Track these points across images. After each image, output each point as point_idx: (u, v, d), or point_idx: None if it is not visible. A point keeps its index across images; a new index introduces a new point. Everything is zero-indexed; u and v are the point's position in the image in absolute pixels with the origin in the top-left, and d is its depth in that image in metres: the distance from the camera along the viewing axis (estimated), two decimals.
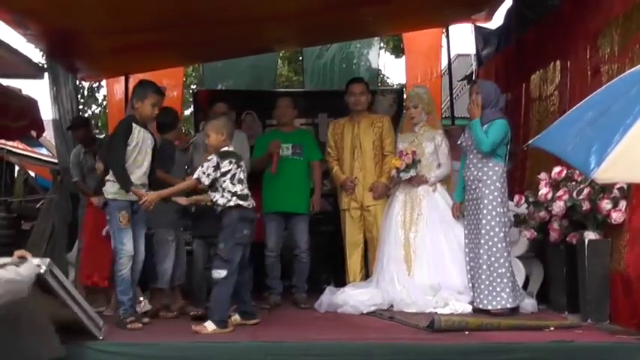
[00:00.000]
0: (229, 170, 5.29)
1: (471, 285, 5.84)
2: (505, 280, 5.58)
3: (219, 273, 5.19)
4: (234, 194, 5.27)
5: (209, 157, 5.35)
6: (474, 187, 5.80)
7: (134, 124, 5.50)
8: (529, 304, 5.81)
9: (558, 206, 5.57)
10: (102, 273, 6.28)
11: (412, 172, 6.27)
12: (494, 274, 5.61)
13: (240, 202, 5.28)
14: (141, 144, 5.52)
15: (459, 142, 6.11)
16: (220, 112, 6.87)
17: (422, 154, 6.36)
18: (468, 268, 5.87)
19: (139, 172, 5.50)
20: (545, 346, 4.43)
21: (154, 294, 6.21)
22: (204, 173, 5.27)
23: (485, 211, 5.68)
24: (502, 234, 5.63)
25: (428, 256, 6.17)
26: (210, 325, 5.04)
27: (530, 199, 6.03)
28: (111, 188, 5.44)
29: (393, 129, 6.84)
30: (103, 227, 6.07)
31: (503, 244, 5.63)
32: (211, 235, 5.69)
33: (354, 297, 6.08)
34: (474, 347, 4.44)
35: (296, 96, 10.79)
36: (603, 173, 3.64)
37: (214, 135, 5.40)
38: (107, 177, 5.52)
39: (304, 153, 6.86)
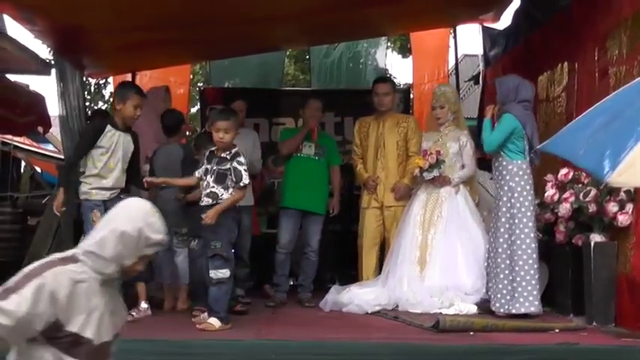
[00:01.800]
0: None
1: (486, 284, 5.80)
2: (514, 285, 5.52)
3: (223, 273, 5.21)
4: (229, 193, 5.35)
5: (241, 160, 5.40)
6: (498, 187, 5.76)
7: (109, 127, 5.46)
8: (535, 306, 5.79)
9: (564, 208, 5.55)
10: None
11: (435, 172, 6.23)
12: (510, 278, 5.54)
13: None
14: (114, 147, 5.48)
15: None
16: (239, 110, 6.92)
17: (446, 154, 6.33)
18: (486, 265, 5.84)
19: (111, 177, 5.48)
20: (550, 349, 4.43)
21: (170, 290, 6.26)
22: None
23: (499, 213, 5.65)
24: (523, 236, 5.52)
25: (442, 258, 6.14)
26: (216, 322, 5.06)
27: (536, 201, 6.01)
28: (82, 188, 5.44)
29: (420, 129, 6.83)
30: None
31: (524, 246, 5.51)
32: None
33: (359, 296, 6.08)
34: (478, 348, 4.43)
35: (302, 95, 10.84)
36: (618, 177, 3.64)
37: (231, 134, 5.42)
38: (80, 177, 5.54)
39: (325, 155, 6.88)
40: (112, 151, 5.47)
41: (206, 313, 5.30)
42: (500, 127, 5.66)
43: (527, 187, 5.62)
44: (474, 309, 5.72)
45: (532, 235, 5.56)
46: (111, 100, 14.17)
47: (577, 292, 5.53)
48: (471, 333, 4.84)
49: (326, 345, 4.49)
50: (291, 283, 7.24)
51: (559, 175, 5.76)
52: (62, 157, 9.98)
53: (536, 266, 5.53)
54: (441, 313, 5.55)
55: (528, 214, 5.58)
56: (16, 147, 13.06)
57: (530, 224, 5.57)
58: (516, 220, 5.57)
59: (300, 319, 5.89)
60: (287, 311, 6.33)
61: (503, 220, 5.62)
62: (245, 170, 5.37)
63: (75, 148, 5.53)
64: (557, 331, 4.95)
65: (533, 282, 5.51)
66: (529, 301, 5.49)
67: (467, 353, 4.39)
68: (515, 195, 5.59)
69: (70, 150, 8.46)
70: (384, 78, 7.53)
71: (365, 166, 6.81)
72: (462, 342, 4.56)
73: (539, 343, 4.54)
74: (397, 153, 6.71)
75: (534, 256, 5.54)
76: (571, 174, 5.69)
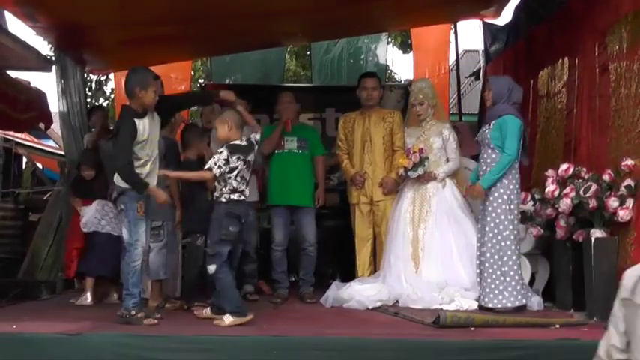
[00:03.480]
0: (236, 167, 5.31)
1: (479, 281, 5.84)
2: (508, 279, 5.56)
3: (210, 268, 5.25)
4: (233, 190, 5.30)
5: (220, 150, 5.35)
6: None
7: (137, 121, 5.19)
8: (535, 301, 5.80)
9: (565, 203, 5.55)
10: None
11: (420, 171, 6.26)
12: (498, 272, 5.59)
13: (233, 197, 5.31)
14: (149, 137, 5.28)
15: (476, 138, 6.11)
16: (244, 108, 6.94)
17: (430, 149, 6.36)
18: (478, 262, 5.86)
19: (146, 169, 5.28)
20: (551, 344, 4.43)
21: (156, 286, 6.25)
22: (215, 164, 5.26)
23: (490, 208, 5.67)
24: (507, 232, 5.60)
25: (436, 253, 6.17)
26: (227, 318, 5.07)
27: (537, 196, 6.02)
28: None
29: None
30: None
31: (508, 242, 5.59)
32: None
33: (360, 292, 6.09)
34: (479, 344, 4.44)
35: (303, 91, 10.84)
36: None
37: (220, 127, 5.42)
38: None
39: (309, 147, 6.88)
40: (149, 140, 5.28)
41: (208, 308, 5.33)
42: (511, 131, 5.65)
43: (517, 185, 5.72)
44: (474, 304, 5.73)
45: (516, 230, 5.67)
46: (112, 96, 14.20)
47: (578, 287, 5.54)
48: (472, 328, 4.85)
49: (327, 341, 4.49)
50: (292, 279, 7.25)
51: (559, 171, 5.77)
52: (63, 153, 10.01)
53: (517, 261, 5.63)
54: (441, 308, 5.56)
55: (516, 211, 5.70)
56: (17, 143, 13.10)
57: (516, 221, 5.69)
58: (509, 216, 5.62)
59: (302, 315, 5.91)
60: (288, 307, 6.35)
61: (493, 215, 5.65)
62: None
63: (120, 150, 5.18)
64: (557, 326, 4.96)
65: (517, 277, 5.59)
66: (513, 295, 5.56)
67: (468, 349, 4.39)
68: (507, 192, 5.64)
69: (72, 148, 8.51)
70: (370, 73, 7.53)
71: (351, 162, 6.83)
72: (462, 337, 4.56)
73: (539, 338, 4.55)
74: (384, 148, 6.73)
75: (517, 251, 5.66)
76: (571, 169, 5.70)
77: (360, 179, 6.71)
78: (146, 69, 5.51)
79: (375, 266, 6.68)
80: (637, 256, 4.98)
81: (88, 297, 6.37)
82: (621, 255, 5.18)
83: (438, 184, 6.35)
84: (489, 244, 5.65)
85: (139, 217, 5.22)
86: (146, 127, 5.26)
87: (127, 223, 5.24)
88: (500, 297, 5.57)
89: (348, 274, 7.07)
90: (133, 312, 5.08)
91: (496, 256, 5.61)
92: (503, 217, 5.62)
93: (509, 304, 5.54)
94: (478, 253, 5.85)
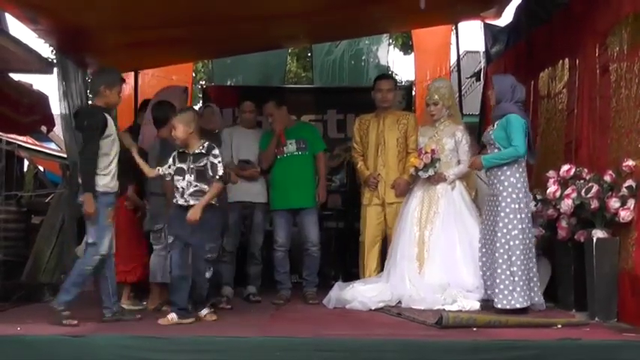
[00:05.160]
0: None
1: (483, 281, 5.82)
2: (517, 279, 5.51)
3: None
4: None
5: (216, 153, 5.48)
6: (492, 183, 5.78)
7: (105, 115, 5.30)
8: (537, 301, 5.81)
9: (566, 204, 5.56)
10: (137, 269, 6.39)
11: (431, 172, 6.25)
12: (507, 272, 5.53)
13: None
14: (115, 132, 5.39)
15: (482, 139, 6.11)
16: (249, 111, 6.97)
17: (442, 150, 6.35)
18: (480, 264, 5.85)
19: (113, 165, 5.34)
20: (553, 344, 4.45)
21: (155, 289, 6.25)
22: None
23: (499, 209, 5.62)
24: (516, 231, 5.54)
25: (441, 255, 6.16)
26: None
27: (539, 197, 6.03)
28: (100, 180, 5.23)
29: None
30: (135, 225, 6.30)
31: (517, 241, 5.53)
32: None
33: (362, 293, 6.10)
34: (481, 344, 4.45)
35: (305, 92, 10.86)
36: None
37: (182, 127, 5.45)
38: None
39: (308, 147, 6.90)
40: (114, 136, 5.37)
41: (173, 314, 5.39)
42: (515, 130, 5.61)
43: (525, 184, 5.67)
44: (476, 305, 5.74)
45: (525, 230, 5.60)
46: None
47: (579, 287, 5.54)
48: (474, 329, 4.86)
49: (329, 342, 4.51)
50: (294, 280, 7.26)
51: (561, 172, 5.78)
52: (65, 155, 10.03)
53: (526, 261, 5.58)
54: (444, 309, 5.57)
55: (526, 210, 5.64)
56: (20, 146, 13.10)
57: (527, 220, 5.63)
58: (518, 216, 5.58)
59: (304, 316, 5.92)
60: (291, 308, 6.36)
61: (502, 214, 5.61)
62: (220, 162, 5.43)
63: (87, 147, 5.28)
64: (559, 326, 4.97)
65: (524, 277, 5.54)
66: (522, 296, 5.52)
67: (470, 349, 4.41)
68: (516, 191, 5.61)
69: (74, 150, 8.51)
70: (386, 75, 7.55)
71: (365, 163, 6.82)
72: (465, 338, 4.58)
73: (541, 338, 4.56)
74: (397, 150, 6.72)
75: (525, 250, 5.60)
76: (573, 170, 5.71)
77: (373, 181, 6.70)
78: (115, 71, 5.68)
79: (382, 268, 6.65)
80: (638, 256, 4.99)
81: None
82: (623, 255, 5.19)
83: (447, 186, 6.34)
84: (498, 244, 5.60)
85: (107, 223, 5.27)
86: (112, 122, 5.38)
87: (94, 227, 5.26)
88: (510, 298, 5.52)
89: (350, 275, 7.07)
90: (60, 308, 5.11)
91: (505, 256, 5.56)
92: (512, 216, 5.57)
93: (518, 305, 5.49)
94: (482, 251, 5.83)
